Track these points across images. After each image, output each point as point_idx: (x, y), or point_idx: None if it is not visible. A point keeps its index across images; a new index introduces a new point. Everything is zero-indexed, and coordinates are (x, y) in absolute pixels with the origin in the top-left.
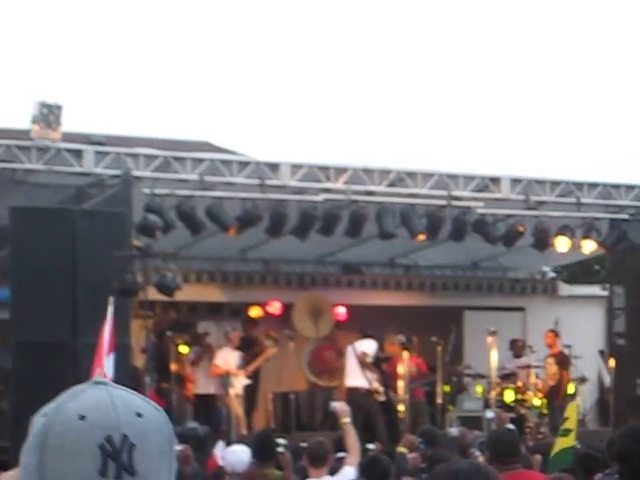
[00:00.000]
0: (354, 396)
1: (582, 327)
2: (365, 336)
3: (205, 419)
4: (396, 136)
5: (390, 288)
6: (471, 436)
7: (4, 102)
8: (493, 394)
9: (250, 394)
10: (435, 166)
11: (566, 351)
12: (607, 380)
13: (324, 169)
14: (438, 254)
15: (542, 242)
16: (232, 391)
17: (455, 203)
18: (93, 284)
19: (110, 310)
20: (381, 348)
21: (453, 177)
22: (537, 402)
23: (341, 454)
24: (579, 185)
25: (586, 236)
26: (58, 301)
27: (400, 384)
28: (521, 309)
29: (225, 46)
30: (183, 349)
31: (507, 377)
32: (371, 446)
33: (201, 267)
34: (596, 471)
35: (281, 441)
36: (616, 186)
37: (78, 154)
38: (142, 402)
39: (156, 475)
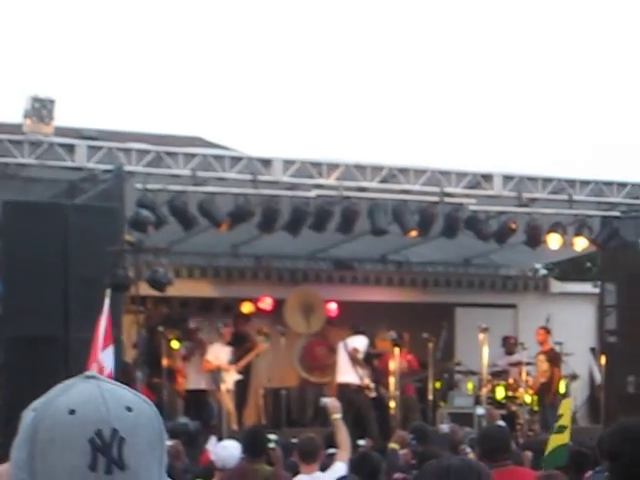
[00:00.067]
0: (345, 392)
1: (573, 324)
2: (356, 332)
3: (196, 414)
4: (388, 132)
5: (382, 284)
6: (462, 433)
7: None
8: (484, 391)
9: (241, 390)
10: (427, 162)
11: (557, 348)
12: (598, 377)
13: (316, 165)
14: (430, 250)
15: (534, 239)
16: (223, 386)
17: (447, 200)
18: (85, 279)
19: (107, 303)
20: (372, 344)
21: (445, 174)
22: (528, 399)
23: (332, 450)
24: (571, 182)
25: (578, 233)
26: (50, 296)
27: (391, 380)
28: (513, 306)
29: (218, 41)
30: (174, 344)
31: (498, 374)
32: (362, 442)
33: (193, 262)
34: (587, 468)
35: (272, 437)
36: (608, 183)
37: (70, 149)
38: (132, 396)
39: (147, 469)
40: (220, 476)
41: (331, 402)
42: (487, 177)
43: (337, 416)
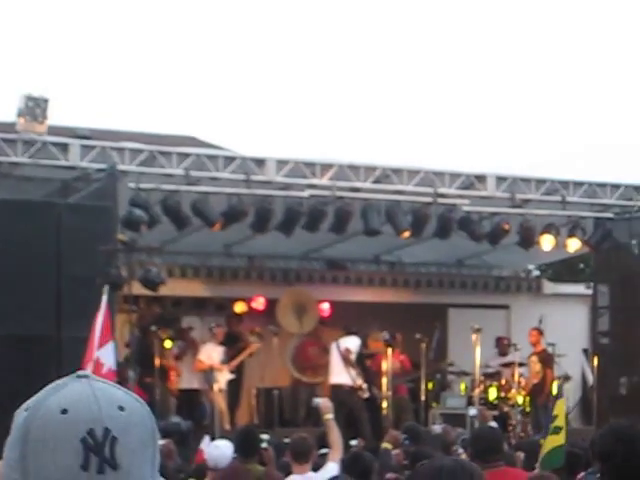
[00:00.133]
0: (338, 393)
1: (566, 325)
2: (349, 333)
3: (188, 414)
4: (382, 133)
5: (375, 285)
6: (454, 433)
7: None
8: (476, 392)
9: (234, 389)
10: (421, 163)
11: (550, 349)
12: (590, 379)
13: (310, 165)
14: (423, 251)
15: (527, 240)
16: (216, 386)
17: (441, 200)
18: (78, 278)
19: (104, 300)
20: (365, 345)
21: (439, 174)
22: (520, 400)
23: (324, 450)
24: (564, 183)
25: (571, 234)
26: (42, 295)
27: (384, 381)
28: (505, 307)
29: (212, 41)
30: (167, 344)
31: (491, 375)
32: (354, 442)
33: (186, 262)
34: (579, 469)
35: (264, 437)
36: (601, 185)
37: (64, 147)
38: (124, 395)
39: (139, 468)
40: (212, 476)
41: (323, 402)
42: (480, 178)
43: (329, 416)
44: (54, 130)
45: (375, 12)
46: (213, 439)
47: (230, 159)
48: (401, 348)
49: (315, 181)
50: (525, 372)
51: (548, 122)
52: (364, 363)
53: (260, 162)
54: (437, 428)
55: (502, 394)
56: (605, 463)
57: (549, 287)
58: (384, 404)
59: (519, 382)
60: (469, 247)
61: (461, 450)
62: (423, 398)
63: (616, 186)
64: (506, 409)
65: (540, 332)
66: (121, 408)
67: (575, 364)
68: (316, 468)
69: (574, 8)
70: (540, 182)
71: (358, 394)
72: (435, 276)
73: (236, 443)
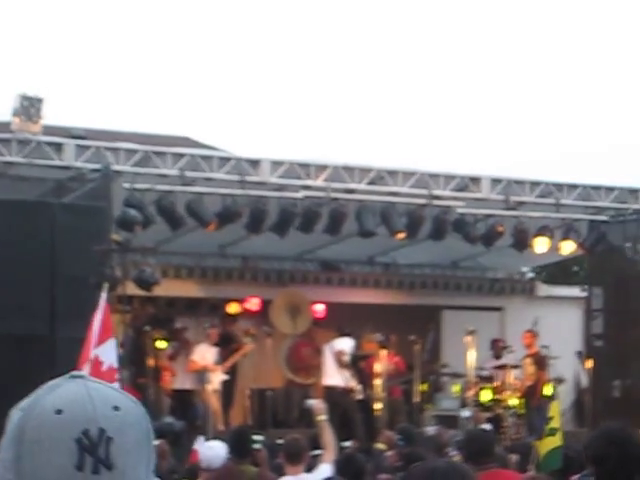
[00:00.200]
0: (331, 395)
1: (560, 328)
2: (342, 334)
3: (182, 414)
4: (377, 134)
5: (369, 286)
6: (447, 435)
7: None
8: (470, 393)
9: (227, 390)
10: (416, 165)
11: (544, 351)
12: (584, 381)
13: (304, 166)
14: (418, 253)
15: (521, 242)
16: (209, 387)
17: (435, 202)
18: (72, 278)
19: (103, 297)
20: (359, 346)
21: (434, 176)
22: (514, 402)
23: (317, 451)
24: (559, 186)
25: (565, 237)
26: (37, 295)
27: (377, 382)
28: (499, 309)
29: (207, 41)
30: (161, 344)
31: (485, 377)
32: (347, 443)
33: (180, 262)
34: (573, 472)
35: (257, 438)
36: (596, 187)
37: (58, 147)
38: (119, 395)
39: (134, 469)
40: (206, 476)
41: (316, 404)
42: (475, 180)
43: (322, 417)
44: (49, 130)
45: (371, 15)
46: (207, 440)
47: (225, 160)
48: (395, 349)
49: (310, 182)
50: (519, 374)
51: (543, 125)
52: (358, 364)
53: (255, 163)
54: (431, 430)
55: (495, 396)
56: (599, 466)
57: (543, 289)
58: (378, 405)
59: (513, 384)
60: (463, 249)
61: (455, 452)
62: (417, 400)
63: (610, 189)
64: (499, 411)
65: (534, 334)
66: (116, 408)
67: (569, 366)
68: (309, 469)
69: (569, 10)
70: (534, 184)
71: (351, 395)
72: (429, 278)
73: (229, 444)
